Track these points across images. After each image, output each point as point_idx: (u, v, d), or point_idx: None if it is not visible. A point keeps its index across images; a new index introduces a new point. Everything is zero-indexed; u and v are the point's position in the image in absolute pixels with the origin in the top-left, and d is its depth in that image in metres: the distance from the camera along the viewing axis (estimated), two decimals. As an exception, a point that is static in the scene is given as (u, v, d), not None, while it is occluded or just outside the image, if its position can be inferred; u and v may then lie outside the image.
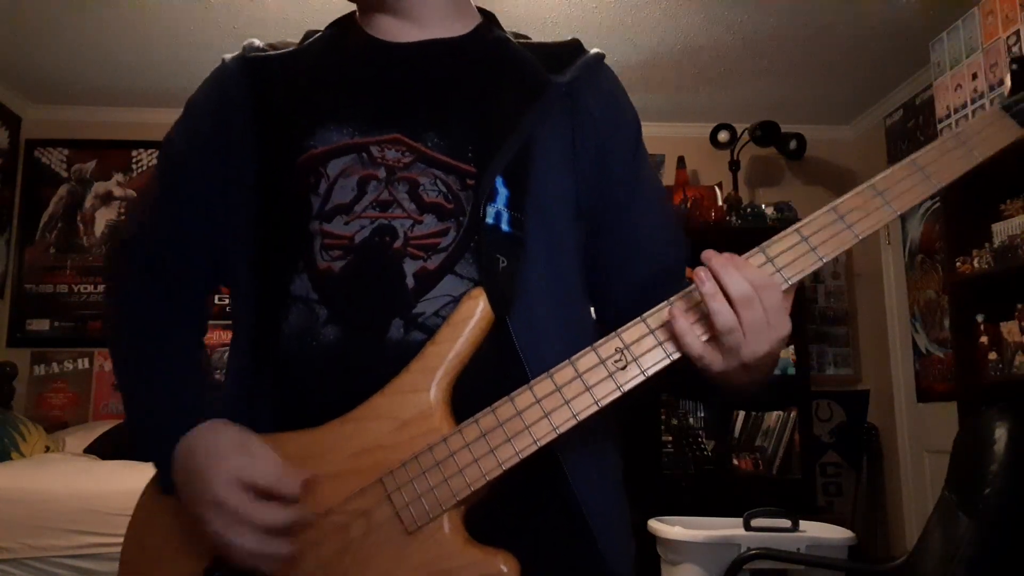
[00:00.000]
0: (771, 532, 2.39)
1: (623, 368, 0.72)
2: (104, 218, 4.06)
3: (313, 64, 0.91)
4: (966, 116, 2.73)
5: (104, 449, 3.31)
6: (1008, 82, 0.80)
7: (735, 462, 3.64)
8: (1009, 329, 2.65)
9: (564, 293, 0.85)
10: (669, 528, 2.51)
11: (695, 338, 0.71)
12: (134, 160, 4.12)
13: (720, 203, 3.88)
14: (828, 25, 3.26)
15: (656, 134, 4.09)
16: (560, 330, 0.82)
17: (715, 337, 0.70)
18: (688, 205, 3.83)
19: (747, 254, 0.73)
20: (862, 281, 4.23)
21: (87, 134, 4.09)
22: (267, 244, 0.83)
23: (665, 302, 0.73)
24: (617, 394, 0.72)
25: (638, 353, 0.72)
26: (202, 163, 0.89)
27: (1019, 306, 2.61)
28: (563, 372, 0.73)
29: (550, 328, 0.81)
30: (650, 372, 0.72)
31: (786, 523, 2.43)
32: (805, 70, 3.66)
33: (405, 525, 0.73)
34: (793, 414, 3.63)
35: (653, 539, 2.58)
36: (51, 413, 3.83)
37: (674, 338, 0.71)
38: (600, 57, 0.93)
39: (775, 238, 0.73)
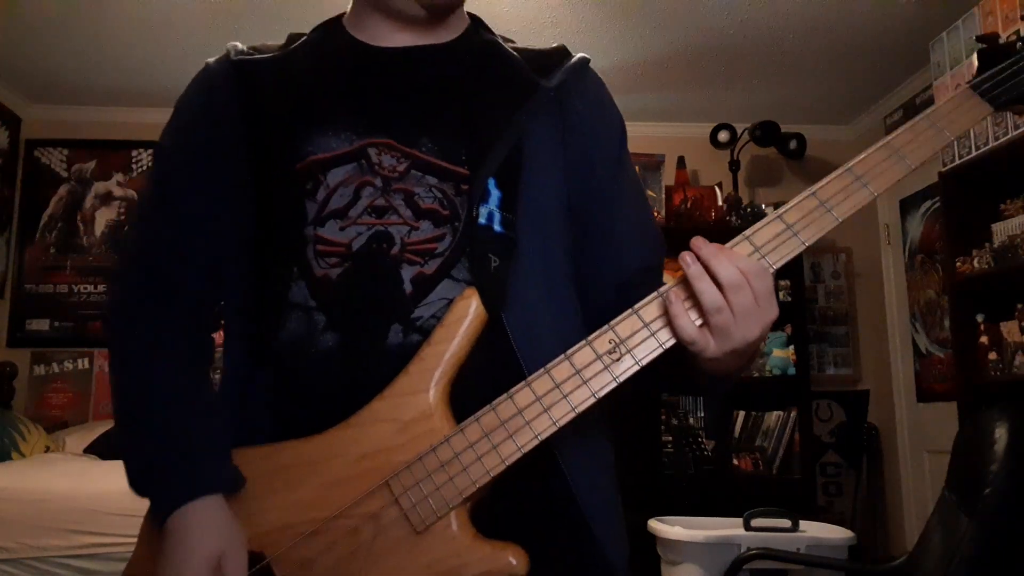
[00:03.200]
0: (771, 532, 2.39)
1: (618, 360, 0.74)
2: (104, 218, 4.06)
3: (303, 69, 0.90)
4: (966, 116, 2.73)
5: (104, 449, 3.31)
6: (976, 62, 0.82)
7: (735, 462, 3.64)
8: (1009, 329, 2.65)
9: (556, 290, 0.87)
10: (669, 528, 2.51)
11: (688, 322, 0.72)
12: (134, 160, 4.12)
13: (720, 203, 3.88)
14: (828, 25, 3.26)
15: (656, 134, 4.09)
16: (554, 326, 0.83)
17: (706, 322, 0.72)
18: (688, 205, 3.83)
19: (732, 242, 0.74)
20: (862, 281, 4.23)
21: (87, 134, 4.09)
22: (263, 250, 0.83)
23: (655, 293, 0.75)
24: (613, 385, 0.74)
25: (632, 345, 0.74)
26: (196, 171, 0.89)
27: (1019, 306, 2.61)
28: (560, 367, 0.74)
29: (544, 324, 0.82)
30: (644, 361, 0.74)
31: (786, 523, 2.43)
32: (805, 70, 3.66)
33: (414, 525, 0.74)
34: (793, 414, 3.64)
35: (653, 539, 2.58)
36: (51, 413, 3.83)
37: (668, 323, 0.73)
38: (585, 61, 0.95)
39: (758, 225, 0.75)
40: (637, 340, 0.74)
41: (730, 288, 0.70)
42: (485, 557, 0.73)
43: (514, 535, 0.75)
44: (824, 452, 3.98)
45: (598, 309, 0.87)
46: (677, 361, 0.75)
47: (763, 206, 3.85)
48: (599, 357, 0.74)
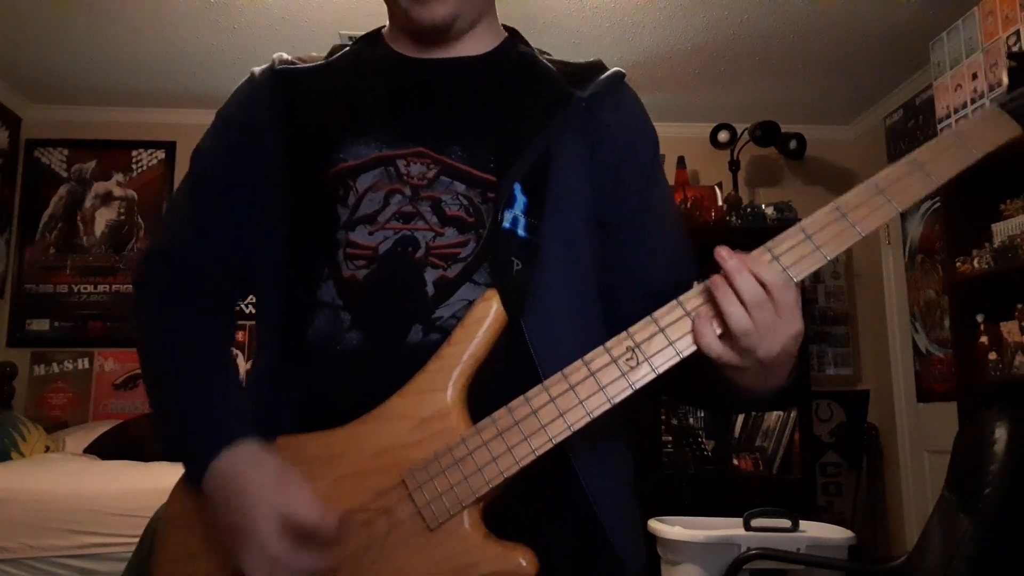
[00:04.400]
0: (771, 532, 2.39)
1: (635, 366, 0.74)
2: (104, 218, 4.06)
3: (341, 79, 0.93)
4: (966, 116, 2.73)
5: (104, 449, 3.32)
6: (1006, 80, 0.81)
7: (735, 462, 3.64)
8: (1009, 329, 2.65)
9: (578, 297, 0.87)
10: (669, 528, 2.51)
11: (715, 340, 0.72)
12: (134, 160, 4.12)
13: (720, 203, 3.88)
14: (828, 25, 3.26)
15: (656, 134, 4.09)
16: (573, 331, 0.83)
17: (731, 341, 0.72)
18: (688, 205, 3.83)
19: (754, 253, 0.74)
20: (862, 281, 4.23)
21: (87, 134, 4.09)
22: (296, 251, 0.86)
23: (674, 301, 0.75)
24: (629, 391, 0.74)
25: (649, 352, 0.74)
26: (233, 175, 0.92)
27: (1019, 306, 2.61)
28: (577, 372, 0.75)
29: (563, 329, 0.83)
30: (661, 369, 0.74)
31: (786, 523, 2.43)
32: (805, 70, 3.66)
33: (427, 522, 0.75)
34: (793, 414, 3.63)
35: (653, 539, 2.58)
36: (51, 413, 3.83)
37: (692, 338, 0.73)
38: (621, 75, 0.95)
39: (780, 237, 0.74)
40: (655, 347, 0.74)
41: (753, 305, 0.70)
42: (495, 557, 0.74)
43: (526, 537, 0.76)
44: (824, 452, 3.98)
45: (626, 322, 0.86)
46: (698, 370, 0.76)
47: (763, 206, 3.85)
48: (615, 361, 0.74)
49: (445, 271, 0.82)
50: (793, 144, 4.02)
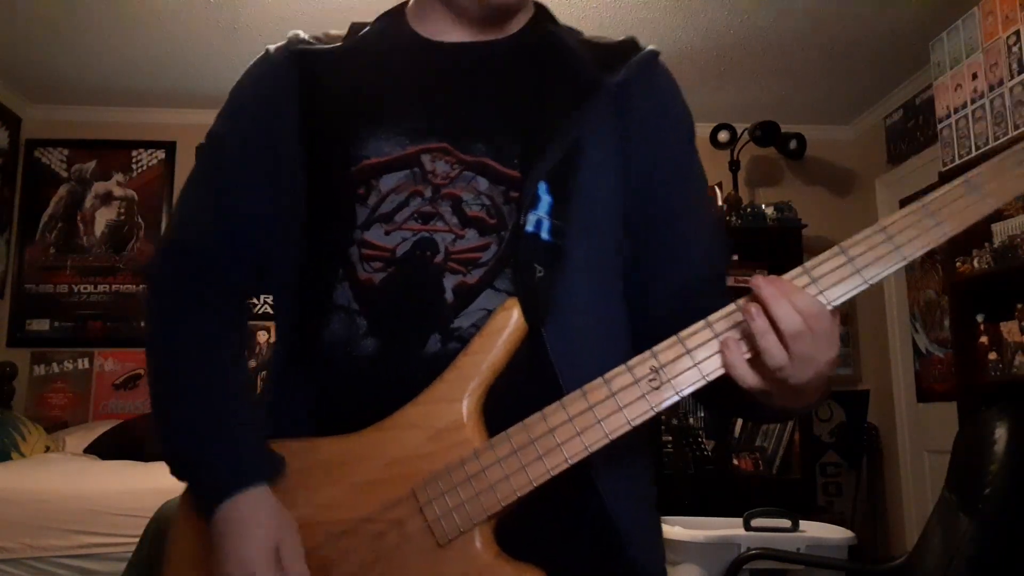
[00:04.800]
0: (771, 532, 2.39)
1: (657, 388, 0.71)
2: (104, 218, 4.06)
3: (364, 64, 0.89)
4: (966, 116, 2.73)
5: (104, 449, 3.32)
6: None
7: (735, 462, 3.64)
8: (1009, 329, 2.65)
9: (603, 303, 0.84)
10: (669, 528, 2.51)
11: (748, 371, 0.69)
12: (134, 160, 4.12)
13: (720, 203, 3.88)
14: (828, 25, 3.26)
15: (656, 134, 4.09)
16: (597, 340, 0.81)
17: (765, 373, 0.69)
18: (688, 205, 3.82)
19: (789, 274, 0.70)
20: (862, 281, 4.22)
21: (87, 134, 4.09)
22: (312, 250, 0.82)
23: (702, 321, 0.71)
24: (650, 414, 0.71)
25: (673, 373, 0.71)
26: (250, 163, 0.88)
27: (1019, 306, 2.61)
28: (597, 390, 0.72)
29: (586, 338, 0.80)
30: (685, 393, 0.71)
31: (786, 523, 2.43)
32: (805, 70, 3.66)
33: (437, 538, 0.73)
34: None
35: (653, 539, 2.58)
36: (51, 413, 3.83)
37: (723, 365, 0.70)
38: (655, 55, 0.90)
39: (818, 259, 0.71)
40: (679, 368, 0.71)
41: (791, 336, 0.66)
42: None
43: (540, 555, 0.73)
44: (824, 452, 3.97)
45: (656, 317, 0.84)
46: (720, 386, 0.72)
47: (763, 206, 3.85)
48: (637, 382, 0.71)
49: (465, 277, 0.79)
50: (793, 144, 4.02)
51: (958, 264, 2.80)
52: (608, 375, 0.72)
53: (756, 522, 2.41)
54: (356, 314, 0.80)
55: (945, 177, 2.83)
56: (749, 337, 0.69)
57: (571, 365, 0.77)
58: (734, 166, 4.02)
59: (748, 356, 0.69)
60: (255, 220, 0.87)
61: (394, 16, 0.95)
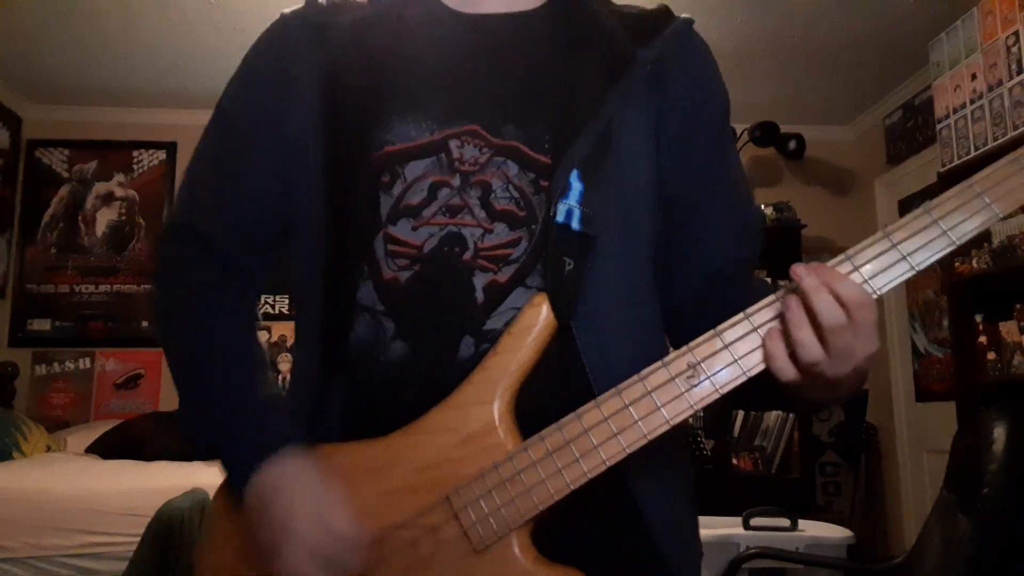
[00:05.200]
0: (770, 531, 2.39)
1: (696, 385, 0.68)
2: (105, 218, 4.07)
3: (386, 39, 0.83)
4: (965, 116, 2.74)
5: (105, 449, 3.32)
6: None
7: (734, 461, 3.64)
8: (1008, 329, 2.65)
9: (635, 294, 0.80)
10: (669, 527, 2.51)
11: (788, 363, 0.66)
12: (135, 160, 4.12)
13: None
14: (828, 25, 3.27)
15: (656, 134, 4.09)
16: (629, 334, 0.78)
17: (799, 366, 0.66)
18: (688, 205, 3.83)
19: (832, 261, 0.67)
20: (862, 281, 4.22)
21: (88, 134, 4.10)
22: (333, 244, 0.78)
23: (741, 314, 0.69)
24: (690, 412, 0.69)
25: (712, 369, 0.68)
26: (262, 139, 0.83)
27: (1018, 306, 2.61)
28: (632, 389, 0.70)
29: (618, 333, 0.77)
30: (725, 390, 0.68)
31: (785, 522, 2.43)
32: (805, 70, 3.66)
33: (473, 544, 0.71)
34: (792, 414, 3.64)
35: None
36: (52, 413, 3.84)
37: (763, 358, 0.68)
38: (689, 24, 0.85)
39: (861, 245, 0.67)
40: (718, 365, 0.68)
41: (830, 331, 0.63)
42: None
43: (578, 558, 0.72)
44: (823, 452, 3.98)
45: (687, 300, 0.81)
46: (759, 384, 0.70)
47: (762, 206, 3.85)
48: (674, 379, 0.69)
49: (496, 275, 0.75)
50: (792, 144, 4.03)
51: (957, 264, 2.81)
52: (643, 372, 0.70)
53: (755, 521, 2.42)
54: (382, 316, 0.76)
55: (944, 177, 2.83)
56: (788, 329, 0.66)
57: (602, 362, 0.74)
58: (734, 166, 4.02)
59: (788, 350, 0.66)
60: (263, 202, 0.83)
61: None
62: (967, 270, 2.77)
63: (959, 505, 1.89)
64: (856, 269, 0.66)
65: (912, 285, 3.80)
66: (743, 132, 3.98)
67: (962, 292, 2.81)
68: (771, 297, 0.68)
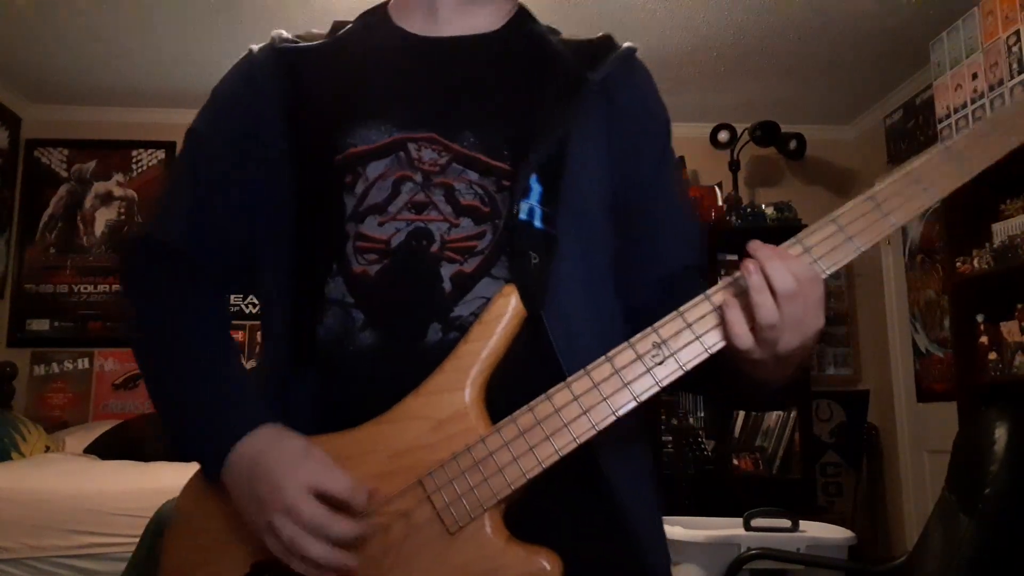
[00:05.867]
0: (771, 532, 2.39)
1: (661, 363, 0.72)
2: (104, 218, 4.06)
3: (347, 59, 0.89)
4: (966, 116, 2.73)
5: (104, 449, 3.32)
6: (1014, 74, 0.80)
7: (735, 462, 3.64)
8: (1009, 329, 2.65)
9: (596, 288, 0.85)
10: (669, 528, 2.48)
11: (746, 331, 0.70)
12: (134, 160, 4.12)
13: (720, 203, 3.88)
14: (828, 25, 3.26)
15: (656, 134, 4.09)
16: (593, 324, 0.81)
17: (755, 329, 0.70)
18: (688, 205, 3.83)
19: (784, 244, 0.72)
20: (862, 281, 4.23)
21: (87, 134, 4.10)
22: (302, 244, 0.82)
23: (701, 295, 0.73)
24: (655, 389, 0.72)
25: (676, 347, 0.72)
26: (232, 158, 0.87)
27: (1019, 306, 2.61)
28: (600, 369, 0.73)
29: (583, 322, 0.80)
30: (689, 366, 0.72)
31: (786, 523, 2.43)
32: (805, 70, 3.66)
33: (446, 526, 0.73)
34: (793, 414, 3.64)
35: (653, 539, 2.58)
36: (51, 413, 3.83)
37: (721, 332, 0.71)
38: (632, 52, 0.92)
39: (810, 228, 0.73)
40: (681, 343, 0.72)
41: (783, 297, 0.68)
42: (519, 560, 0.72)
43: (549, 538, 0.73)
44: (824, 452, 3.98)
45: (639, 306, 0.85)
46: (713, 363, 0.74)
47: (763, 206, 3.85)
48: (640, 358, 0.72)
49: (462, 265, 0.79)
50: (793, 144, 4.03)
51: (958, 264, 2.80)
52: (610, 353, 0.73)
53: (756, 522, 2.41)
54: (351, 307, 0.79)
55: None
56: (746, 304, 0.70)
57: (571, 347, 0.77)
58: (734, 166, 4.02)
59: (746, 315, 0.70)
60: (239, 217, 0.87)
61: (377, 12, 0.96)
62: (968, 270, 2.76)
63: (960, 505, 1.88)
64: (807, 251, 0.72)
65: (913, 285, 3.80)
66: (744, 132, 3.98)
67: (963, 292, 2.80)
68: (727, 279, 0.73)
